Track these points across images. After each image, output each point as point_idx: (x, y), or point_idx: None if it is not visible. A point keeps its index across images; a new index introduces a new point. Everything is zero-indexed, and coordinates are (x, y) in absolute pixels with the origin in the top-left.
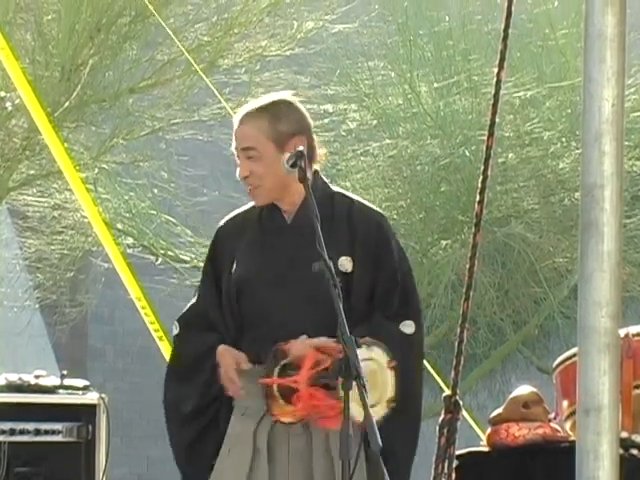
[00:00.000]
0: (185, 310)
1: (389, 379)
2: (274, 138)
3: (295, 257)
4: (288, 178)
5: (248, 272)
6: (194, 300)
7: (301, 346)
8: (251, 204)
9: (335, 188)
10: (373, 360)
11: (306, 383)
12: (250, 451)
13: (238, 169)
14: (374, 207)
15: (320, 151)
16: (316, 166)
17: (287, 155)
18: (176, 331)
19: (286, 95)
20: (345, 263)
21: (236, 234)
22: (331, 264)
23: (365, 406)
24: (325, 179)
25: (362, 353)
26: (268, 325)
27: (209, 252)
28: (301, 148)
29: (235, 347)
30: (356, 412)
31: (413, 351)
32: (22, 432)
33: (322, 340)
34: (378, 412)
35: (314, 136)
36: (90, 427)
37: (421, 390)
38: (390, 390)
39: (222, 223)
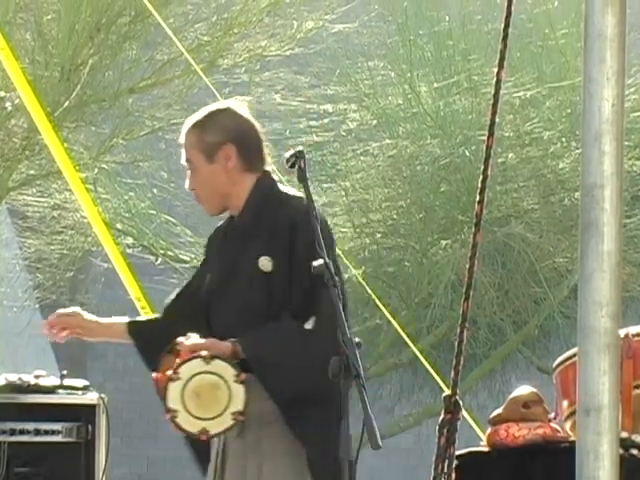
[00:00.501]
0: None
1: (239, 393)
2: (202, 149)
3: (233, 262)
4: (226, 186)
5: (210, 283)
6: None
7: (188, 346)
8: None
9: (285, 189)
10: (214, 374)
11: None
12: (214, 456)
13: (186, 182)
14: (299, 201)
15: (269, 157)
16: (268, 168)
17: (287, 155)
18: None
19: (226, 104)
20: (265, 263)
21: (211, 238)
22: (331, 265)
23: (365, 406)
24: (276, 178)
25: (198, 366)
26: (214, 334)
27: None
28: (300, 148)
29: None
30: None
31: (309, 347)
32: (22, 432)
33: (210, 341)
34: (222, 424)
35: (250, 141)
36: (90, 427)
37: (316, 381)
38: (240, 404)
39: (212, 233)
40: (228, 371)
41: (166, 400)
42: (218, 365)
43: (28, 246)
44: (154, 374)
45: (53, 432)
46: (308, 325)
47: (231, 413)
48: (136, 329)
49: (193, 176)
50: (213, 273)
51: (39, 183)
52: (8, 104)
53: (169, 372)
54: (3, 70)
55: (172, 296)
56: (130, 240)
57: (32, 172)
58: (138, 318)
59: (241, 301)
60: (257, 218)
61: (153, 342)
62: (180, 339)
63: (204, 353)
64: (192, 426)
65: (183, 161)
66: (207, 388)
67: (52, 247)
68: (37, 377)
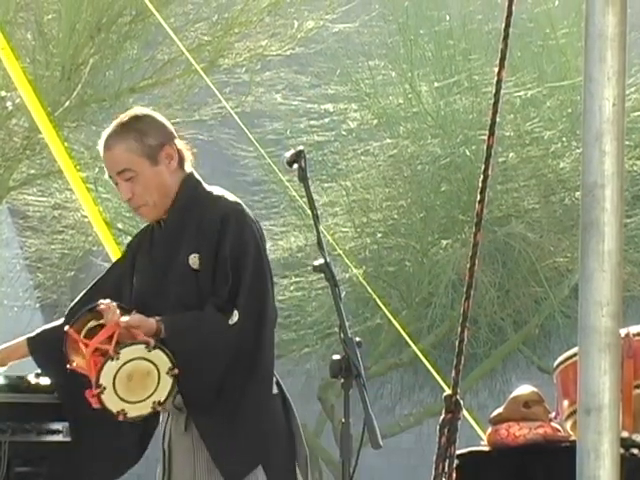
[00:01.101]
0: None
1: (167, 385)
2: (145, 154)
3: (164, 261)
4: (170, 186)
5: (141, 285)
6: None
7: (113, 316)
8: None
9: (209, 188)
10: (150, 362)
11: (91, 350)
12: (162, 454)
13: (120, 193)
14: (229, 200)
15: (188, 153)
16: (188, 167)
17: (287, 155)
18: None
19: (140, 110)
20: (194, 260)
21: (136, 249)
22: (332, 265)
23: (366, 405)
24: (200, 179)
25: (139, 352)
26: None
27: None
28: (301, 148)
29: None
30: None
31: (227, 339)
32: (22, 432)
33: (137, 318)
34: (141, 409)
35: (178, 141)
36: None
37: (227, 376)
38: (163, 395)
39: (130, 240)
40: (164, 363)
41: (98, 375)
42: (157, 355)
43: (29, 245)
44: (68, 327)
45: (54, 432)
46: (231, 320)
47: (152, 401)
48: (35, 342)
49: (135, 183)
50: (143, 274)
51: (40, 183)
52: (9, 104)
53: (107, 346)
54: (4, 69)
55: (77, 299)
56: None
57: (33, 172)
58: (40, 329)
59: (174, 298)
60: (186, 216)
61: (55, 349)
62: (103, 301)
63: (151, 341)
64: (114, 405)
65: (112, 173)
66: (140, 374)
67: (53, 247)
68: (37, 376)
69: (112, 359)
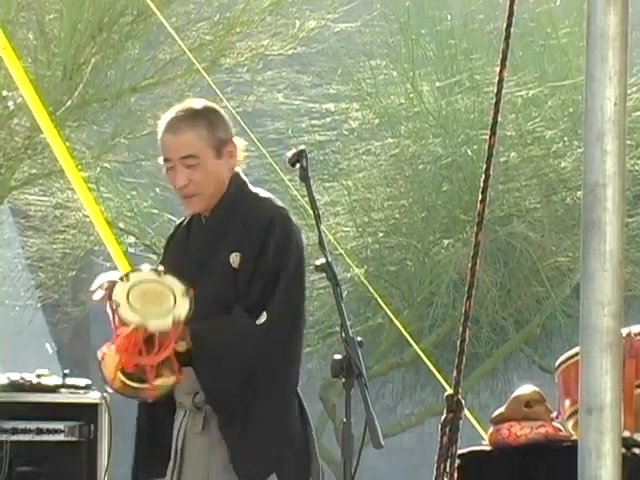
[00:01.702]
0: None
1: (184, 304)
2: (213, 145)
3: (205, 258)
4: (224, 183)
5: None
6: None
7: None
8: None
9: (255, 189)
10: (163, 284)
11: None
12: (173, 453)
13: (173, 178)
14: (276, 203)
15: (241, 154)
16: (238, 168)
17: (289, 154)
18: None
19: (208, 102)
20: (234, 259)
21: (173, 234)
22: (334, 264)
23: (367, 405)
24: (246, 179)
25: (148, 275)
26: None
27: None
28: (303, 147)
29: None
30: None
31: (259, 342)
32: (24, 431)
33: None
34: (161, 323)
35: (236, 139)
36: (92, 426)
37: (251, 376)
38: (183, 313)
39: (171, 231)
40: (177, 285)
41: (111, 293)
42: (168, 279)
43: (30, 245)
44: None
45: (55, 431)
46: (259, 320)
47: (172, 316)
48: None
49: (196, 171)
50: (180, 267)
51: (41, 182)
52: (10, 103)
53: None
54: (5, 69)
55: None
56: (132, 239)
57: (34, 171)
58: None
59: (211, 296)
60: (231, 214)
61: None
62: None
63: (159, 267)
64: (132, 317)
65: (172, 156)
66: (154, 293)
67: (54, 246)
68: (39, 376)
69: (122, 280)
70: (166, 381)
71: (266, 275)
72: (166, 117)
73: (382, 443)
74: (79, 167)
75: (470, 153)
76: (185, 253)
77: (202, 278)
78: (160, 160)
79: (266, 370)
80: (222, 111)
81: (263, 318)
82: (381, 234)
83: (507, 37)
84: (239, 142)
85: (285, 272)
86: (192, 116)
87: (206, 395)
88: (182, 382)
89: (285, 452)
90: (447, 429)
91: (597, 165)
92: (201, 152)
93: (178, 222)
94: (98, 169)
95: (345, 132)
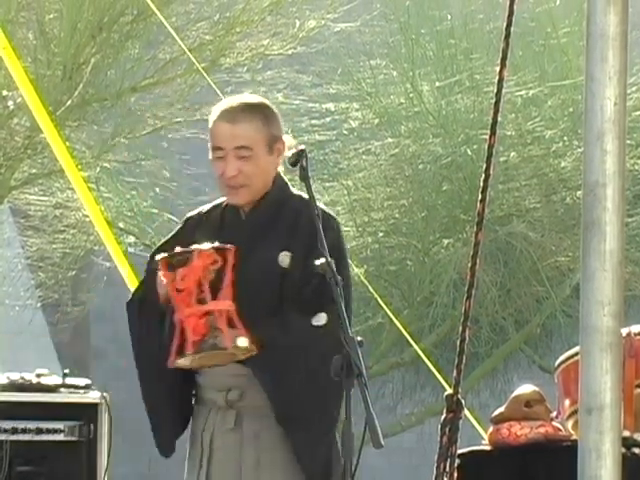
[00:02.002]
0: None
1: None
2: (267, 140)
3: (245, 254)
4: (269, 179)
5: None
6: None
7: None
8: (214, 203)
9: (295, 191)
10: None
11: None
12: (199, 449)
13: (221, 168)
14: (324, 207)
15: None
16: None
17: (289, 154)
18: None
19: (262, 98)
20: (284, 259)
21: (197, 225)
22: (333, 264)
23: (367, 405)
24: (286, 181)
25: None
26: None
27: (168, 240)
28: (302, 147)
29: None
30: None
31: (322, 343)
32: (24, 431)
33: None
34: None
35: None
36: (92, 426)
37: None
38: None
39: (190, 215)
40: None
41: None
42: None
43: (30, 245)
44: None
45: (55, 431)
46: (317, 322)
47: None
48: None
49: (247, 163)
50: None
51: (41, 182)
52: (10, 103)
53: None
54: (5, 69)
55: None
56: (132, 239)
57: (34, 171)
58: None
59: (250, 291)
60: (276, 213)
61: None
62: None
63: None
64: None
65: (227, 146)
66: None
67: (54, 246)
68: (39, 376)
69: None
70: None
71: (320, 277)
72: (221, 106)
73: (382, 443)
74: (79, 167)
75: (470, 153)
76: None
77: (241, 271)
78: (209, 148)
79: (325, 371)
80: (275, 108)
81: (323, 320)
82: (381, 234)
83: (507, 37)
84: (288, 140)
85: (342, 276)
86: (250, 109)
87: (272, 395)
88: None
89: (335, 451)
90: (447, 429)
91: (597, 165)
92: (255, 145)
93: (202, 209)
94: (98, 169)
95: (345, 132)
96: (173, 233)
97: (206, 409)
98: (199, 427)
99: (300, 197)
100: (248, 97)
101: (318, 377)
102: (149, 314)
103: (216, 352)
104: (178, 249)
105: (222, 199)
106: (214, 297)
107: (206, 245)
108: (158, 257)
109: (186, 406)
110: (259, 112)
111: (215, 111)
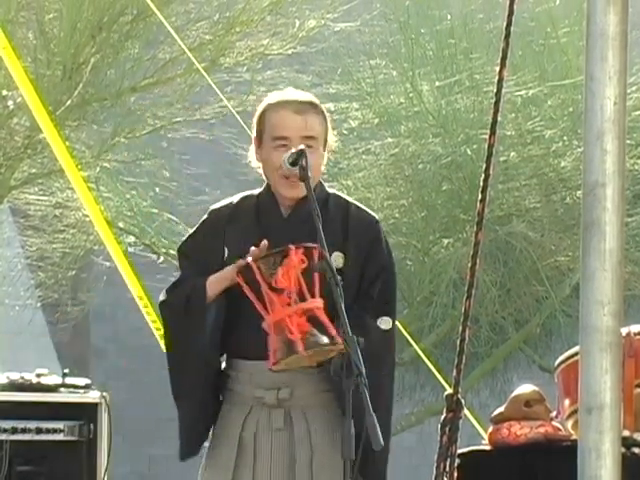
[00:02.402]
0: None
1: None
2: (325, 136)
3: None
4: (318, 175)
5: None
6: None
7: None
8: (242, 194)
9: (331, 190)
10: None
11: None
12: (235, 449)
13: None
14: (369, 210)
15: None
16: None
17: (288, 153)
18: (162, 297)
19: None
20: (337, 259)
21: (228, 219)
22: (333, 263)
23: (367, 405)
24: (322, 181)
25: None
26: (258, 317)
27: (195, 233)
28: (302, 147)
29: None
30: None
31: (389, 347)
32: (24, 431)
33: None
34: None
35: None
36: (92, 426)
37: (392, 383)
38: None
39: (216, 207)
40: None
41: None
42: None
43: (30, 245)
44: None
45: (55, 431)
46: (385, 325)
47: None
48: None
49: (311, 153)
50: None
51: (41, 182)
52: (10, 103)
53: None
54: (5, 69)
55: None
56: (132, 239)
57: (34, 171)
58: None
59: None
60: (324, 214)
61: None
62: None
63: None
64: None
65: (295, 134)
66: None
67: (54, 246)
68: (39, 376)
69: None
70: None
71: (384, 282)
72: (282, 97)
73: (381, 443)
74: (79, 166)
75: (470, 152)
76: (258, 239)
77: None
78: (263, 139)
79: (390, 374)
80: None
81: (389, 324)
82: None
83: (507, 36)
84: (332, 140)
85: (396, 281)
86: (313, 103)
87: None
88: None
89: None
90: (447, 428)
91: (597, 164)
92: (319, 137)
93: (230, 201)
94: (98, 169)
95: (345, 131)
96: (199, 226)
97: (244, 408)
98: (234, 427)
99: (338, 196)
100: (308, 95)
101: (387, 382)
102: (197, 311)
103: (322, 349)
104: (273, 249)
105: (248, 192)
106: (310, 296)
107: (292, 245)
108: (249, 259)
109: (218, 407)
110: (320, 108)
111: (275, 102)
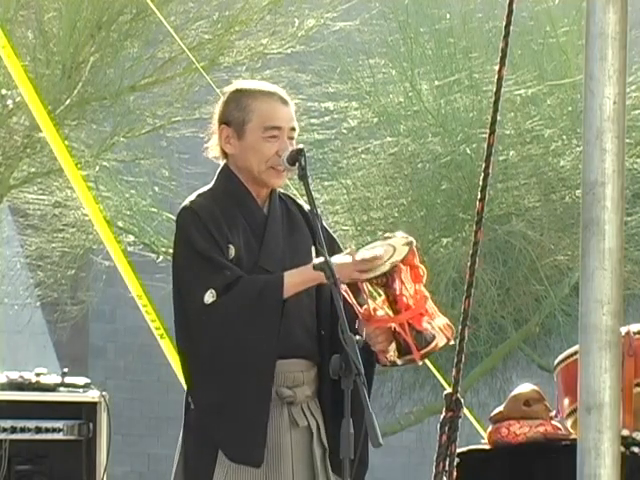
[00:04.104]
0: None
1: (402, 251)
2: None
3: (284, 246)
4: None
5: (249, 261)
6: (227, 274)
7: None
8: (205, 189)
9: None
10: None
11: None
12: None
13: (273, 148)
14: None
15: None
16: None
17: (287, 152)
18: (212, 298)
19: None
20: (313, 252)
21: (221, 216)
22: (332, 262)
23: (366, 405)
24: None
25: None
26: (294, 317)
27: (201, 233)
28: (301, 146)
29: None
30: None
31: None
32: (23, 430)
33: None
34: (379, 269)
35: None
36: (91, 425)
37: None
38: (399, 256)
39: (196, 206)
40: (399, 241)
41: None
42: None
43: (29, 244)
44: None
45: (54, 430)
46: None
47: (390, 262)
48: None
49: (291, 144)
50: (251, 251)
51: (40, 181)
52: (9, 102)
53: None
54: (4, 68)
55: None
56: (131, 238)
57: (33, 170)
58: None
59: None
60: (285, 209)
61: None
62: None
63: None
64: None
65: (285, 125)
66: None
67: (53, 245)
68: (38, 375)
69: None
70: None
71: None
72: (268, 88)
73: (381, 442)
74: (78, 166)
75: (469, 152)
76: (263, 236)
77: (289, 264)
78: (254, 127)
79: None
80: None
81: None
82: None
83: (506, 36)
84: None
85: None
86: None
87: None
88: None
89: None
90: (446, 428)
91: (596, 164)
92: (297, 129)
93: (201, 200)
94: (97, 168)
95: (344, 131)
96: (199, 227)
97: (278, 404)
98: (268, 421)
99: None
100: (270, 84)
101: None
102: (271, 309)
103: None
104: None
105: (205, 188)
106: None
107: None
108: (385, 268)
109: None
110: None
111: (258, 91)
